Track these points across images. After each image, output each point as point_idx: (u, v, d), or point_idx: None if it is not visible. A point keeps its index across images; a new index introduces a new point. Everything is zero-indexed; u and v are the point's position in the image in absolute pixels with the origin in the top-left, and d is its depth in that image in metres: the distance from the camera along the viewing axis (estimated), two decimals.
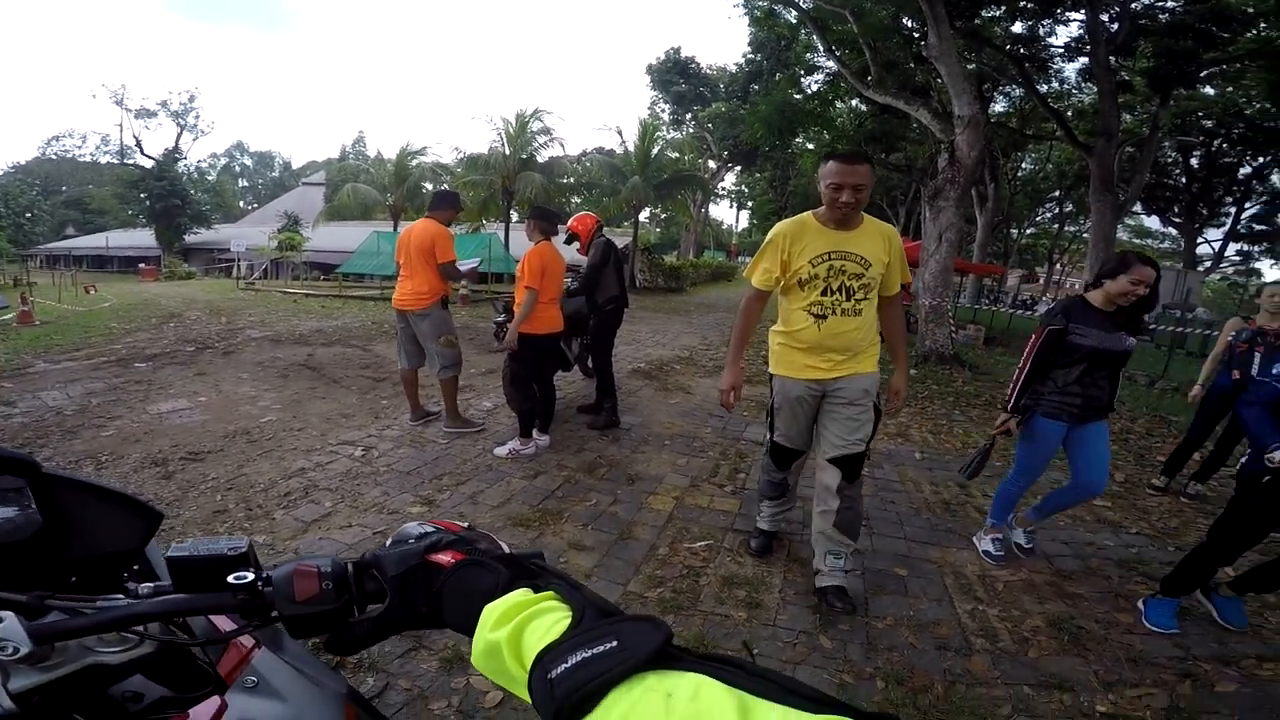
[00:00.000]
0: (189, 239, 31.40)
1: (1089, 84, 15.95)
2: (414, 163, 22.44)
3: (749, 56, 24.96)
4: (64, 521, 0.65)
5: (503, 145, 19.71)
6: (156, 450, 3.86)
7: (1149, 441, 5.47)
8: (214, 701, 0.59)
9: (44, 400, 4.99)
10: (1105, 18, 11.42)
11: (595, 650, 0.36)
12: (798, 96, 15.79)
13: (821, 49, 12.83)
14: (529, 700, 0.39)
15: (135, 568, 0.74)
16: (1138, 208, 23.85)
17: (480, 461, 3.90)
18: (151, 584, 0.57)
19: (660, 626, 0.37)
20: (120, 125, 61.36)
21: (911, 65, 12.77)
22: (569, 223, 4.86)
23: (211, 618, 0.72)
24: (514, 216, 20.17)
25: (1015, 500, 3.07)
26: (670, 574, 2.71)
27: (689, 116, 32.99)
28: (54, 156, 60.89)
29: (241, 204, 64.63)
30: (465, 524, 0.59)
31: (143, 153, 34.67)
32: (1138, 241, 34.11)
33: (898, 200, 26.11)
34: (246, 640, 0.70)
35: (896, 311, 2.64)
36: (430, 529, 0.58)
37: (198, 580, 0.54)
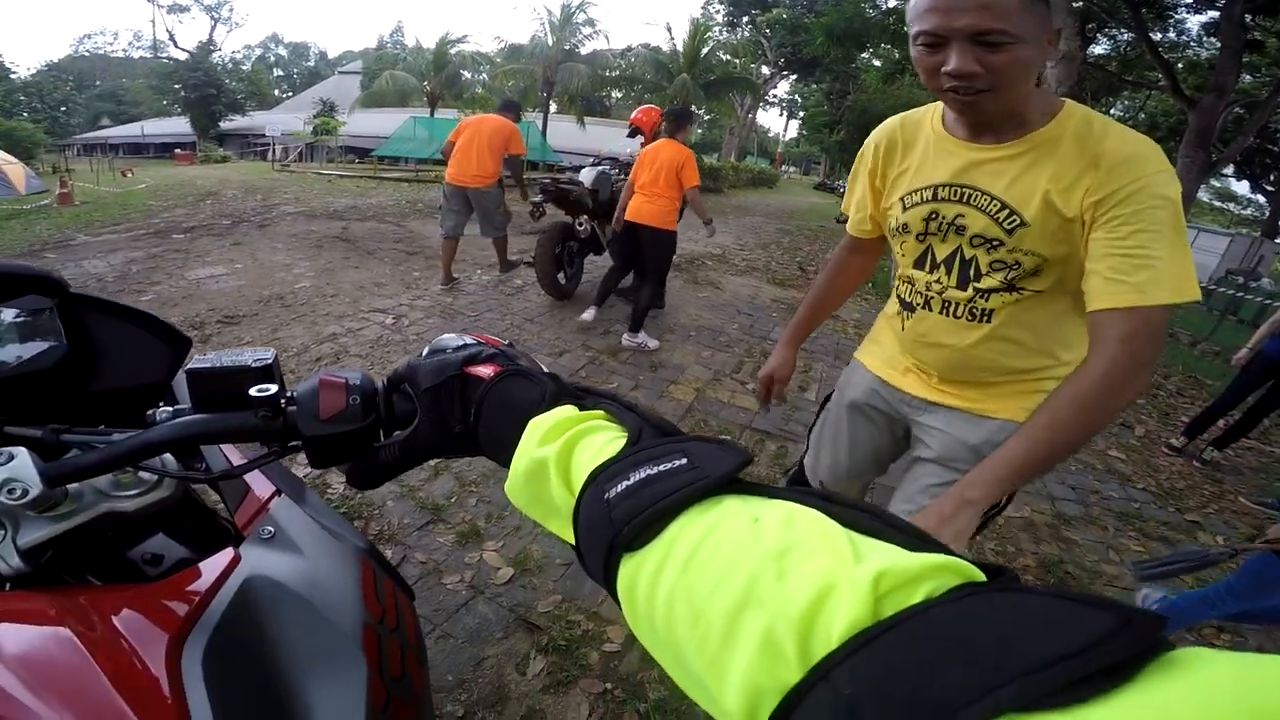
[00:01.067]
0: (224, 125, 31.34)
1: (1211, 38, 14.17)
2: (453, 50, 21.88)
3: None
4: (89, 349, 0.60)
5: (545, 35, 19.11)
6: (194, 314, 3.95)
7: (1177, 401, 5.22)
8: (227, 553, 0.54)
9: (85, 268, 5.12)
10: None
11: (661, 467, 0.30)
12: (871, 11, 14.64)
13: None
14: (568, 538, 0.33)
15: (162, 403, 0.68)
16: (1229, 170, 21.77)
17: (506, 335, 3.85)
18: (169, 409, 0.51)
19: (738, 449, 0.30)
20: (152, 21, 60.29)
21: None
22: (633, 115, 4.81)
23: (229, 460, 0.68)
24: (553, 107, 19.59)
25: (1195, 621, 2.12)
26: None
27: (745, 20, 31.21)
28: (86, 54, 60.80)
29: (276, 93, 63.72)
30: (506, 341, 0.52)
31: (176, 46, 34.21)
32: (1219, 204, 31.64)
33: None
34: (264, 489, 0.66)
35: (1111, 353, 0.93)
36: (470, 340, 0.50)
37: (219, 399, 0.48)
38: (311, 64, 76.30)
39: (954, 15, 0.89)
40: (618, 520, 0.29)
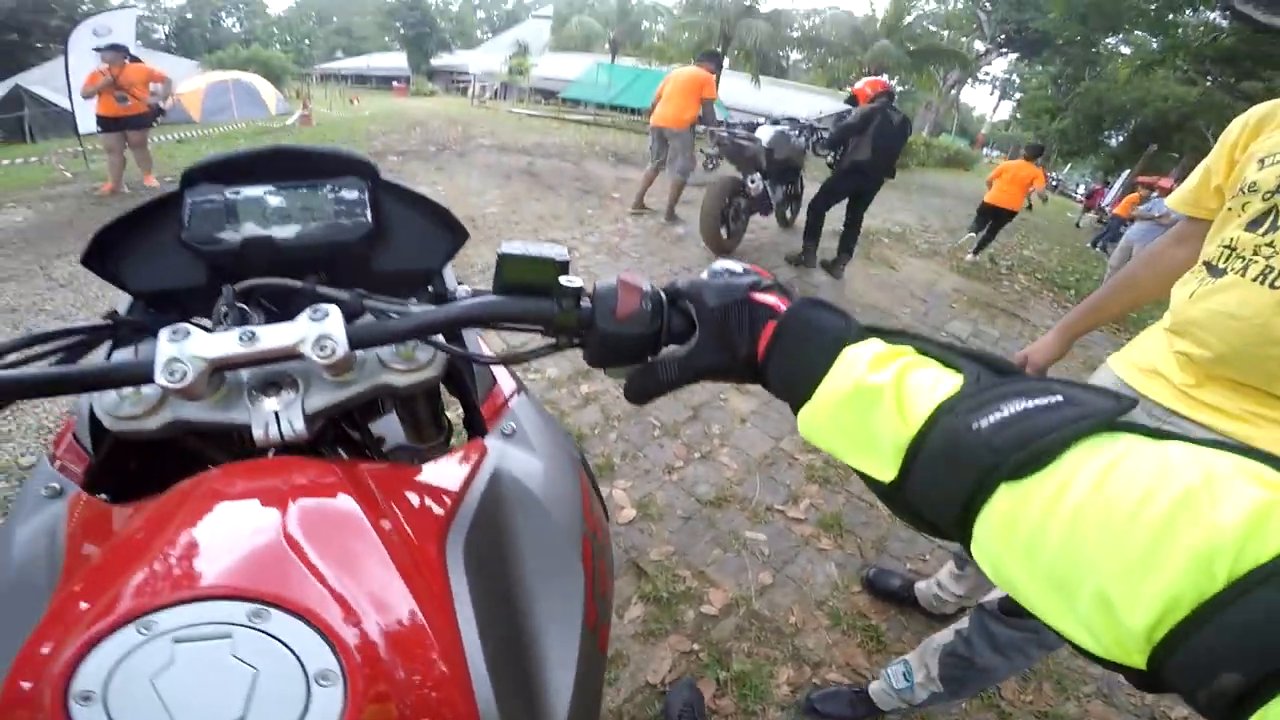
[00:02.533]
0: (434, 62, 34.33)
1: None
2: (635, 1, 22.01)
3: None
4: (386, 230, 0.64)
5: None
6: None
7: None
8: (477, 444, 0.56)
9: None
10: None
11: (1038, 401, 0.29)
12: None
13: None
14: (879, 471, 0.34)
15: (429, 288, 0.72)
16: None
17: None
18: (468, 287, 0.53)
19: (1120, 395, 0.30)
20: None
21: None
22: (856, 86, 4.68)
23: (486, 348, 0.69)
24: (726, 63, 19.15)
25: None
26: None
27: None
28: None
29: (478, 33, 68.24)
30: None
31: None
32: None
33: None
34: (508, 385, 0.66)
35: None
36: (747, 268, 0.49)
37: (522, 284, 0.48)
38: (509, 7, 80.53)
39: None
40: (1001, 447, 0.28)
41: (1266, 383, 0.93)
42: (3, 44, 29.68)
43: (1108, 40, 16.33)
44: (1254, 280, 0.94)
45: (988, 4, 25.46)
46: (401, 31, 34.03)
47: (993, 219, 6.80)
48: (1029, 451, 0.28)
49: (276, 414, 0.47)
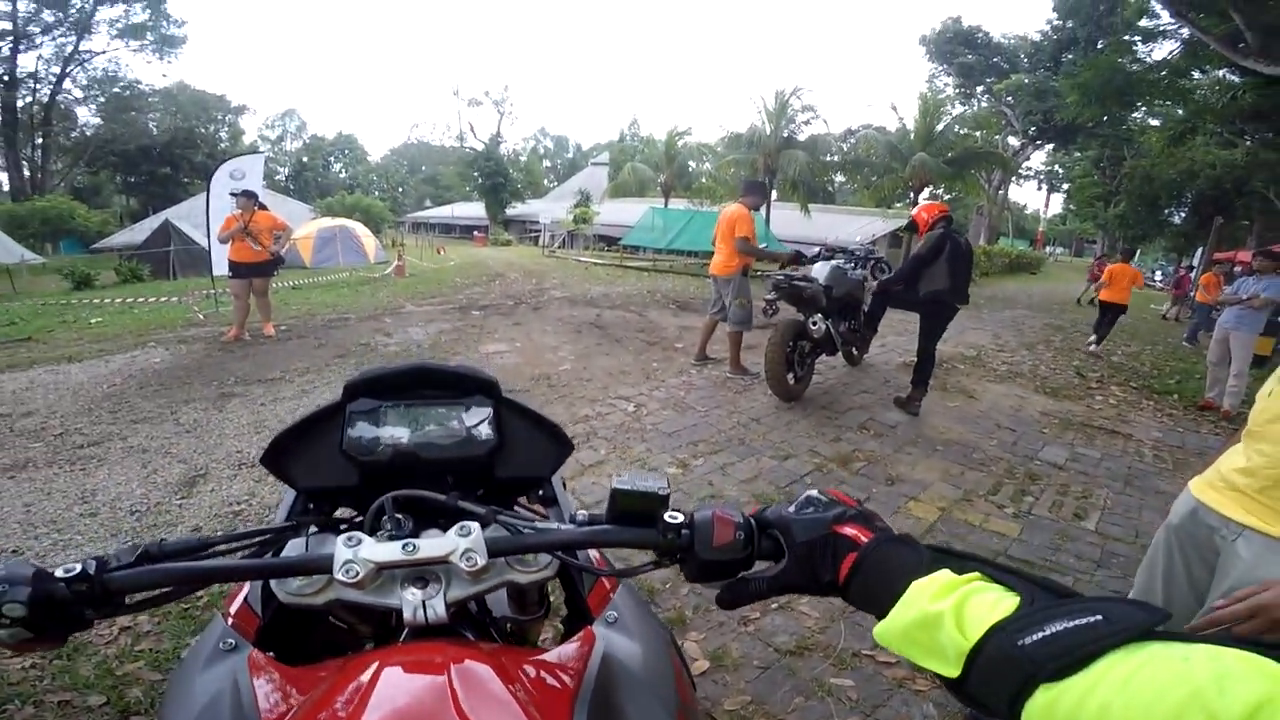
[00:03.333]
0: (508, 211, 37.87)
1: None
2: (680, 143, 23.53)
3: (1055, 23, 21.22)
4: (506, 442, 0.74)
5: (762, 123, 19.58)
6: None
7: None
8: (587, 632, 0.62)
9: (410, 334, 6.63)
10: None
11: (1077, 622, 0.36)
12: (1132, 66, 13.01)
13: (1167, 14, 10.14)
14: (945, 671, 0.41)
15: (540, 492, 0.84)
16: None
17: (733, 434, 4.01)
18: (585, 512, 0.63)
19: (1154, 609, 0.36)
20: (458, 113, 76.28)
21: None
22: (914, 211, 4.95)
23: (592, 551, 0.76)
24: (774, 194, 20.05)
25: None
26: None
27: (980, 89, 29.29)
28: (415, 141, 77.66)
29: (545, 182, 75.37)
30: (855, 500, 0.59)
31: (475, 136, 42.66)
32: None
33: None
34: (609, 579, 0.73)
35: None
36: (828, 498, 0.58)
37: (627, 514, 0.58)
38: (570, 155, 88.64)
39: None
40: (1039, 659, 0.35)
41: None
42: (158, 177, 35.15)
43: (1134, 115, 16.33)
44: None
45: (1010, 98, 26.11)
46: (479, 180, 37.80)
47: (1111, 313, 8.47)
48: (1063, 661, 0.35)
49: (424, 602, 0.55)
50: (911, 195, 19.56)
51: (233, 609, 0.67)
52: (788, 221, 20.93)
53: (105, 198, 39.52)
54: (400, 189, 53.37)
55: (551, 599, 0.79)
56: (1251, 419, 1.07)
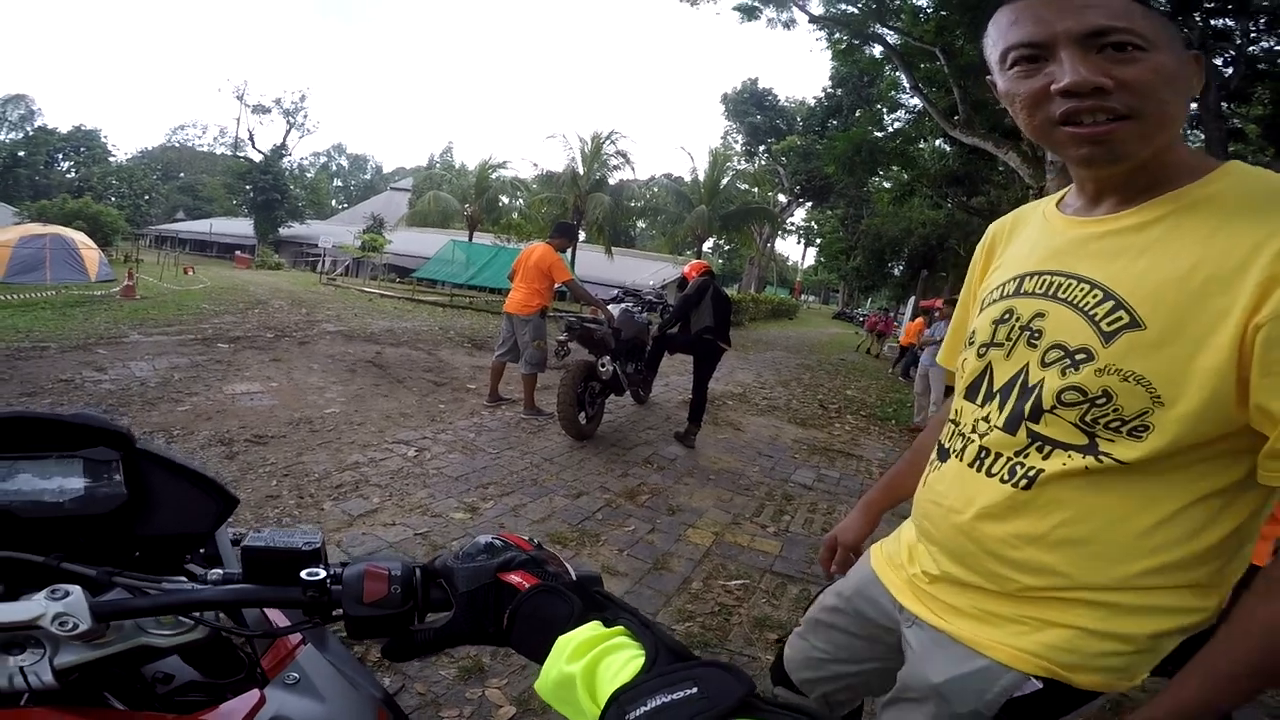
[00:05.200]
0: (283, 231, 33.63)
1: (1197, 129, 15.39)
2: (494, 175, 23.10)
3: (829, 91, 24.80)
4: (145, 497, 0.65)
5: (577, 165, 20.02)
6: (225, 430, 4.06)
7: None
8: (253, 695, 0.58)
9: (132, 370, 5.38)
10: (1219, 61, 10.53)
11: (675, 696, 0.36)
12: (878, 134, 15.40)
13: (907, 86, 12.61)
14: None
15: (201, 550, 0.75)
16: None
17: (525, 475, 3.92)
18: (220, 570, 0.57)
19: (741, 677, 0.36)
20: (238, 119, 67.08)
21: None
22: (684, 269, 5.50)
23: (266, 609, 0.71)
24: (581, 236, 20.62)
25: None
26: (701, 609, 2.65)
27: (762, 149, 32.89)
28: (177, 144, 66.86)
29: (334, 203, 68.70)
30: (533, 540, 0.58)
31: (254, 147, 37.64)
32: None
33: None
34: (294, 636, 0.69)
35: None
36: (500, 543, 0.56)
37: (269, 571, 0.54)
38: (368, 177, 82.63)
39: (1061, 14, 0.65)
40: None
41: (984, 572, 0.77)
42: None
43: (874, 179, 18.75)
44: (970, 466, 0.79)
45: (783, 158, 29.02)
46: (250, 194, 33.04)
47: (908, 351, 10.67)
48: None
49: (21, 669, 0.49)
50: (697, 244, 21.48)
51: None
52: (591, 263, 21.57)
53: None
54: (146, 197, 44.31)
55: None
56: (921, 502, 0.93)
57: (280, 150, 37.07)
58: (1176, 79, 0.65)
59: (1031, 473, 0.72)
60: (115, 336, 6.86)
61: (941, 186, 16.59)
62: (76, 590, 0.50)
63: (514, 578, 0.52)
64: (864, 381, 11.08)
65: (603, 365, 4.63)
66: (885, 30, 11.66)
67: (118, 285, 11.53)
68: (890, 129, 15.80)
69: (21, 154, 47.77)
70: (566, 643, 0.44)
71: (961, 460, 0.81)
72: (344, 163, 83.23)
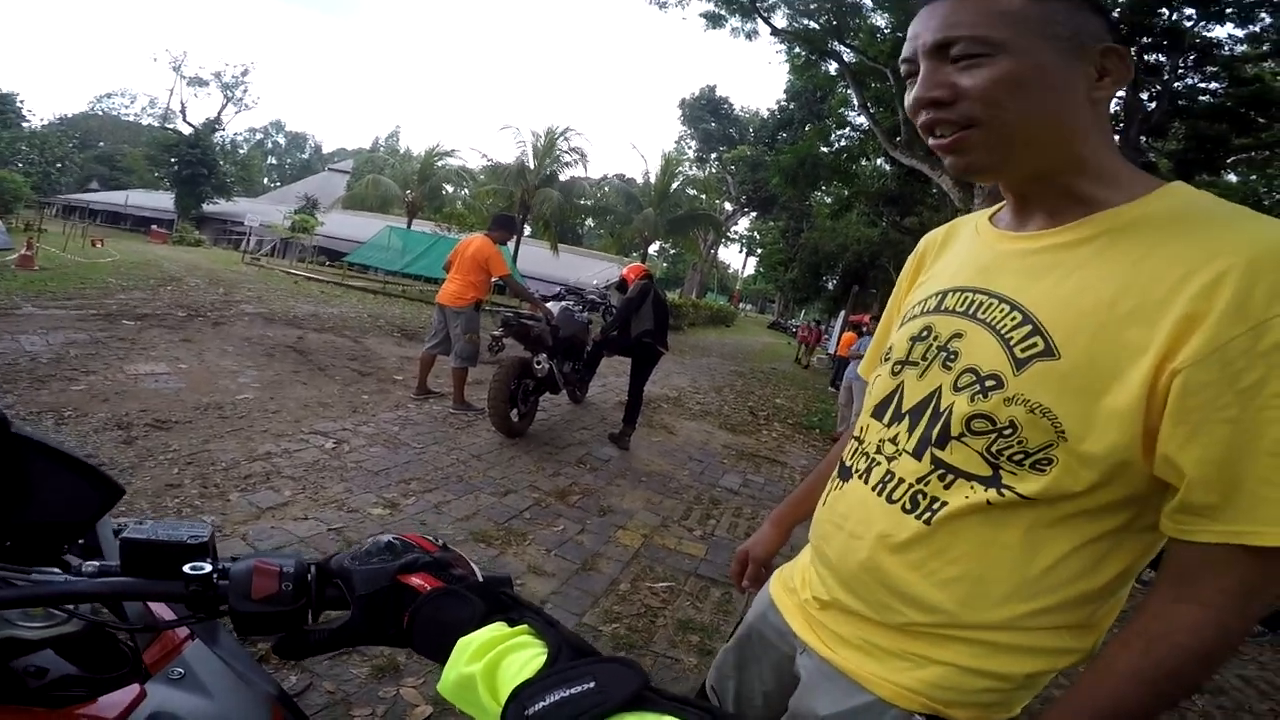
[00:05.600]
0: (207, 208, 31.60)
1: None
2: (440, 163, 22.60)
3: (782, 104, 25.26)
4: (18, 484, 0.61)
5: (528, 158, 19.73)
6: (123, 413, 3.76)
7: None
8: (132, 689, 0.56)
9: (21, 344, 4.90)
10: (1145, 95, 10.96)
11: (573, 690, 0.37)
12: (824, 149, 15.68)
13: (856, 104, 12.98)
14: None
15: (80, 541, 0.71)
16: None
17: (451, 471, 3.81)
18: (96, 562, 0.55)
19: (637, 670, 0.38)
20: (171, 90, 62.78)
21: None
22: (622, 270, 5.47)
23: (152, 604, 0.68)
24: (526, 230, 20.31)
25: None
26: (628, 611, 2.67)
27: (714, 156, 33.40)
28: (100, 113, 62.30)
29: (266, 181, 65.15)
30: (438, 541, 0.57)
31: (184, 119, 35.16)
32: None
33: None
34: (182, 630, 0.67)
35: (1223, 611, 0.57)
36: (400, 544, 0.55)
37: (149, 565, 0.52)
38: (306, 157, 78.87)
39: (924, 29, 0.66)
40: None
41: (875, 602, 0.75)
42: None
43: (816, 193, 18.98)
44: (873, 489, 0.76)
45: (732, 166, 29.52)
46: (175, 168, 30.78)
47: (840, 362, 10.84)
48: None
49: None
50: (643, 246, 21.60)
51: None
52: (536, 259, 21.25)
53: None
54: (59, 165, 40.56)
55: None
56: (819, 523, 0.88)
57: (213, 124, 34.93)
58: (1031, 82, 0.61)
59: (935, 505, 0.69)
60: (6, 308, 6.24)
61: (878, 205, 17.15)
62: None
63: (415, 580, 0.51)
64: (792, 390, 11.43)
65: (539, 363, 4.55)
66: (842, 48, 11.95)
67: (14, 254, 10.53)
68: (836, 145, 16.12)
69: None
70: (468, 644, 0.44)
71: (865, 482, 0.77)
72: (280, 141, 79.10)
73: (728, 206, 32.30)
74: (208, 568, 0.51)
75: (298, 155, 79.50)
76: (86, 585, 0.52)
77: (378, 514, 3.08)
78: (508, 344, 4.79)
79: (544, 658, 0.41)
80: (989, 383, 0.66)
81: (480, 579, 0.54)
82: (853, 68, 12.02)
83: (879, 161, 16.71)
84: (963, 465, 0.68)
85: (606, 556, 3.12)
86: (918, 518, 0.70)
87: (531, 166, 19.58)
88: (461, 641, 0.45)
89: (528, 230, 20.39)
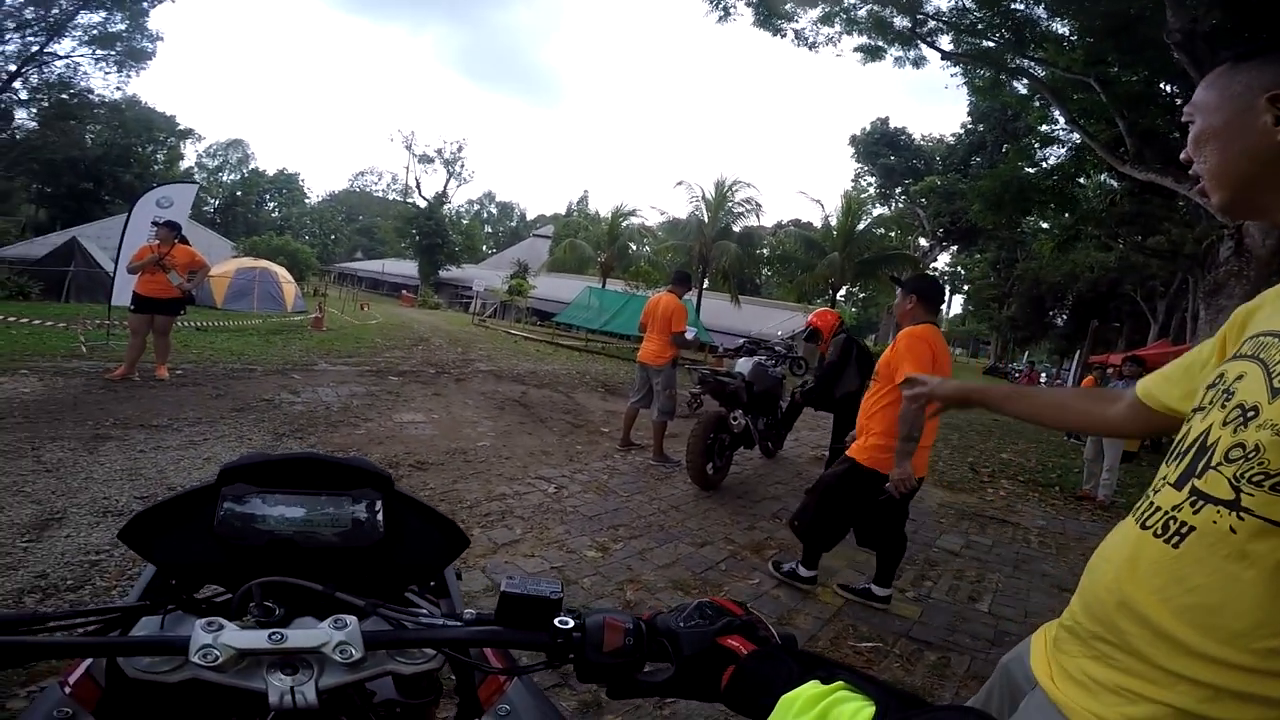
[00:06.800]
0: (442, 274, 37.24)
1: None
2: (624, 223, 23.91)
3: (969, 127, 23.09)
4: (396, 535, 0.74)
5: (701, 212, 20.08)
6: (392, 454, 4.60)
7: None
8: None
9: (319, 395, 6.31)
10: None
11: None
12: (1030, 170, 14.08)
13: (1062, 120, 11.52)
14: None
15: (432, 583, 0.85)
16: None
17: (653, 520, 4.02)
18: (473, 610, 0.62)
19: (987, 716, 0.38)
20: (407, 168, 75.54)
21: (1178, 135, 10.89)
22: (809, 318, 5.33)
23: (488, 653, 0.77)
24: (705, 283, 20.61)
25: None
26: None
27: (899, 190, 31.22)
28: (357, 189, 75.30)
29: (485, 248, 75.05)
30: (744, 606, 0.62)
31: (420, 194, 42.10)
32: None
33: (1156, 292, 21.83)
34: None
35: None
36: (713, 609, 0.61)
37: (520, 615, 0.59)
38: (514, 224, 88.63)
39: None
40: None
41: (1112, 634, 0.75)
42: (77, 191, 31.23)
43: (1028, 218, 17.35)
44: (1136, 521, 0.79)
45: (923, 200, 26.95)
46: (416, 238, 36.79)
47: None
48: None
49: (292, 688, 0.52)
50: (830, 292, 20.75)
51: (71, 679, 0.62)
52: (717, 311, 21.39)
53: (13, 205, 35.69)
54: (333, 237, 51.71)
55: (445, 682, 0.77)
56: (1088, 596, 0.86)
57: (441, 198, 41.01)
58: (1216, 135, 0.77)
59: (1184, 530, 0.71)
60: (307, 363, 8.11)
61: (1111, 227, 14.79)
62: (353, 621, 0.56)
63: (731, 641, 0.57)
64: (1021, 444, 9.99)
65: (734, 418, 4.65)
66: (1028, 62, 10.79)
67: (309, 317, 13.46)
68: (1044, 165, 14.38)
69: (239, 193, 57.19)
70: (793, 700, 0.48)
71: (1135, 517, 0.80)
72: (493, 210, 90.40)
73: (923, 242, 29.82)
74: (572, 622, 0.58)
75: (507, 223, 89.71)
76: (468, 632, 0.59)
77: (591, 556, 3.34)
78: (705, 400, 4.96)
79: (871, 709, 0.44)
80: (1249, 414, 0.68)
81: (778, 639, 0.59)
82: (1048, 82, 10.71)
83: (1103, 178, 14.62)
84: (1211, 491, 0.69)
85: (804, 613, 3.04)
86: (1166, 541, 0.72)
87: (705, 220, 19.92)
88: (786, 698, 0.49)
89: (705, 284, 20.73)
